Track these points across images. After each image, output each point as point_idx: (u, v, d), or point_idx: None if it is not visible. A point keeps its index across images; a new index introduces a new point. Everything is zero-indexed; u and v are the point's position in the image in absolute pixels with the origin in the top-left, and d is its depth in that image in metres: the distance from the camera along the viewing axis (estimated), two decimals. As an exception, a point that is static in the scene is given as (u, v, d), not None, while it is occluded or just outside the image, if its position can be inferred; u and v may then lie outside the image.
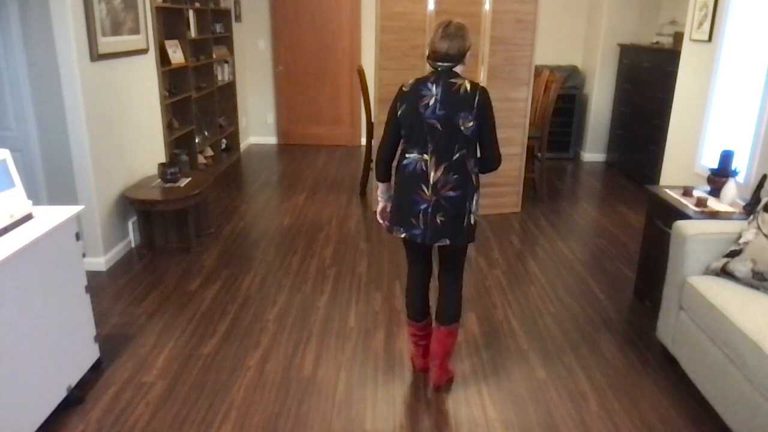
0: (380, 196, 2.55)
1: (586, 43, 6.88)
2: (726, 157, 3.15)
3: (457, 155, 2.31)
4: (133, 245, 4.11)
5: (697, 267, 2.62)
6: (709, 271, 2.61)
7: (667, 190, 3.23)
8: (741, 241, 2.53)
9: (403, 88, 2.36)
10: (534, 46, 4.61)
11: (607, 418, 2.44)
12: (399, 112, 2.35)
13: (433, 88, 2.29)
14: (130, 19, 3.92)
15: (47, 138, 3.48)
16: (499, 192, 4.90)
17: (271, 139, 7.51)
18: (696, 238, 2.60)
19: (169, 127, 4.89)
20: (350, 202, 5.15)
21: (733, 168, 3.14)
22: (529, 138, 4.89)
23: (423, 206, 2.35)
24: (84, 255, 3.62)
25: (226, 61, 6.38)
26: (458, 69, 2.34)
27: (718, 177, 3.15)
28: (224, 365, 2.76)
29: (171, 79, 5.09)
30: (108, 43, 3.64)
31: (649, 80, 5.59)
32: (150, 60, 4.32)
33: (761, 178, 2.87)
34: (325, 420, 2.40)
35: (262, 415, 2.42)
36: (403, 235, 2.42)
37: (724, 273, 2.53)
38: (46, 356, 2.27)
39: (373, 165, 4.80)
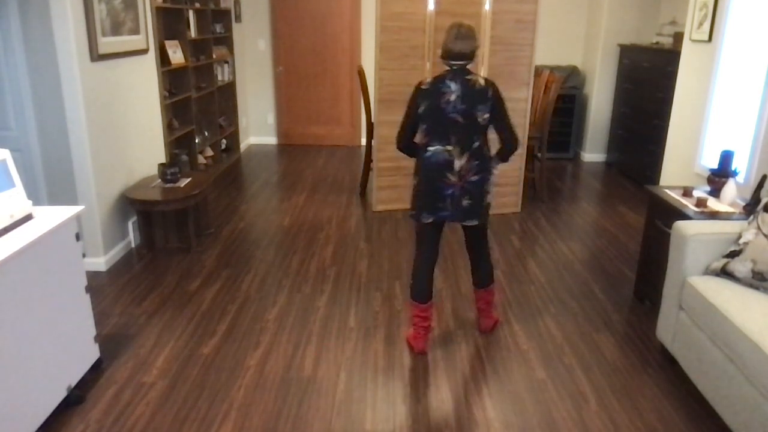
0: None
1: (586, 43, 6.88)
2: (726, 157, 3.15)
3: (476, 144, 2.61)
4: (133, 245, 4.11)
5: (697, 267, 2.63)
6: (709, 271, 2.61)
7: (667, 191, 3.23)
8: (741, 241, 2.53)
9: (422, 86, 2.60)
10: (534, 46, 4.61)
11: (607, 418, 2.44)
12: (420, 109, 2.60)
13: (452, 85, 2.55)
14: (130, 19, 3.92)
15: (47, 138, 3.48)
16: (499, 192, 4.90)
17: (271, 139, 7.51)
18: (696, 238, 2.60)
19: (169, 127, 4.89)
20: (350, 202, 5.15)
21: (733, 168, 3.14)
22: (529, 138, 4.89)
23: (450, 191, 2.64)
24: (84, 255, 3.62)
25: (226, 61, 6.38)
26: (469, 66, 2.59)
27: (718, 177, 3.15)
28: (224, 365, 2.76)
29: (171, 79, 5.09)
30: (108, 43, 3.64)
31: (649, 80, 5.59)
32: (150, 60, 4.32)
33: (761, 178, 2.87)
34: (325, 420, 2.40)
35: (262, 415, 2.42)
36: (430, 220, 2.70)
37: (724, 273, 2.53)
38: (46, 356, 2.27)
39: (373, 165, 4.81)
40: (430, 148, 2.61)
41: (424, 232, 2.78)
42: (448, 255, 4.04)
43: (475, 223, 2.70)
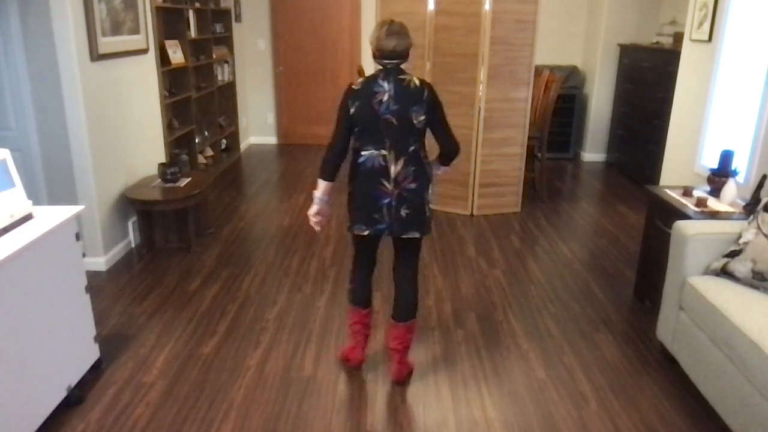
0: (319, 198, 2.50)
1: (586, 43, 6.88)
2: (726, 157, 3.15)
3: (412, 148, 2.41)
4: (133, 245, 4.11)
5: (697, 267, 2.62)
6: (709, 271, 2.61)
7: (667, 190, 3.23)
8: (741, 241, 2.53)
9: (353, 87, 2.41)
10: (534, 46, 4.61)
11: (607, 418, 2.44)
12: (352, 111, 2.39)
13: (385, 85, 2.37)
14: (130, 19, 3.92)
15: (47, 138, 3.48)
16: (499, 192, 4.90)
17: (271, 139, 7.51)
18: (696, 238, 2.60)
19: (169, 127, 4.89)
20: (350, 202, 5.15)
21: (733, 168, 3.14)
22: (529, 138, 4.89)
23: (386, 200, 2.41)
24: (84, 255, 3.62)
25: (226, 61, 6.38)
26: (403, 66, 2.42)
27: (718, 177, 3.15)
28: (224, 365, 2.76)
29: (171, 79, 5.09)
30: (108, 43, 3.64)
31: (649, 80, 5.59)
32: (150, 60, 4.32)
33: (761, 178, 2.87)
34: (325, 420, 2.40)
35: (262, 415, 2.42)
36: (366, 233, 2.46)
37: (724, 273, 2.53)
38: (46, 356, 2.27)
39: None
40: (364, 153, 2.41)
41: (360, 243, 2.60)
42: (448, 255, 4.04)
43: (416, 235, 2.47)
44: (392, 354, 2.63)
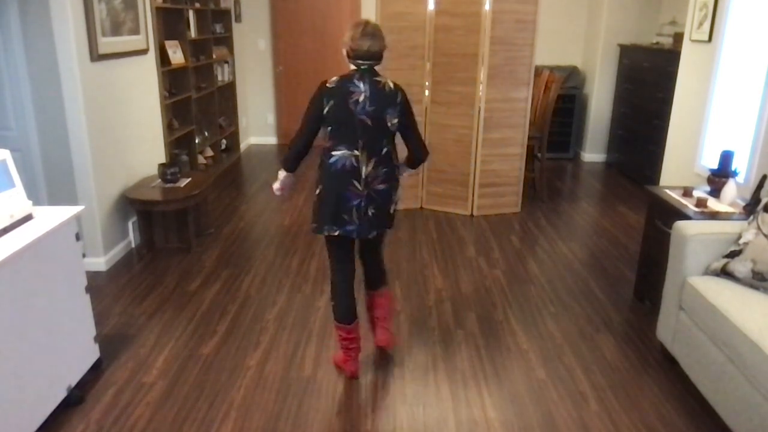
0: (282, 181, 2.60)
1: (586, 43, 6.88)
2: (726, 158, 3.15)
3: (385, 150, 2.44)
4: (133, 245, 4.11)
5: (697, 267, 2.63)
6: (709, 272, 2.61)
7: (667, 191, 3.23)
8: (741, 241, 2.53)
9: (327, 85, 2.38)
10: (534, 46, 4.61)
11: (607, 418, 2.44)
12: (326, 109, 2.37)
13: (361, 85, 2.36)
14: (130, 20, 3.92)
15: (47, 138, 3.48)
16: (499, 192, 4.90)
17: (271, 139, 7.51)
18: (696, 239, 2.60)
19: (169, 127, 4.89)
20: (350, 202, 5.15)
21: (733, 168, 3.14)
22: (529, 138, 4.89)
23: (356, 201, 2.43)
24: (84, 255, 3.62)
25: (226, 62, 6.38)
26: (377, 68, 2.43)
27: (718, 177, 3.15)
28: (224, 365, 2.76)
29: (171, 79, 5.09)
30: (108, 43, 3.64)
31: (649, 80, 5.59)
32: (150, 60, 4.32)
33: (761, 179, 2.87)
34: (325, 420, 2.40)
35: (262, 415, 2.42)
36: (337, 233, 2.48)
37: (724, 273, 2.53)
38: (46, 356, 2.27)
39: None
40: (335, 153, 2.39)
41: (333, 246, 2.58)
42: (448, 255, 4.04)
43: (375, 234, 2.52)
44: (375, 321, 2.80)
